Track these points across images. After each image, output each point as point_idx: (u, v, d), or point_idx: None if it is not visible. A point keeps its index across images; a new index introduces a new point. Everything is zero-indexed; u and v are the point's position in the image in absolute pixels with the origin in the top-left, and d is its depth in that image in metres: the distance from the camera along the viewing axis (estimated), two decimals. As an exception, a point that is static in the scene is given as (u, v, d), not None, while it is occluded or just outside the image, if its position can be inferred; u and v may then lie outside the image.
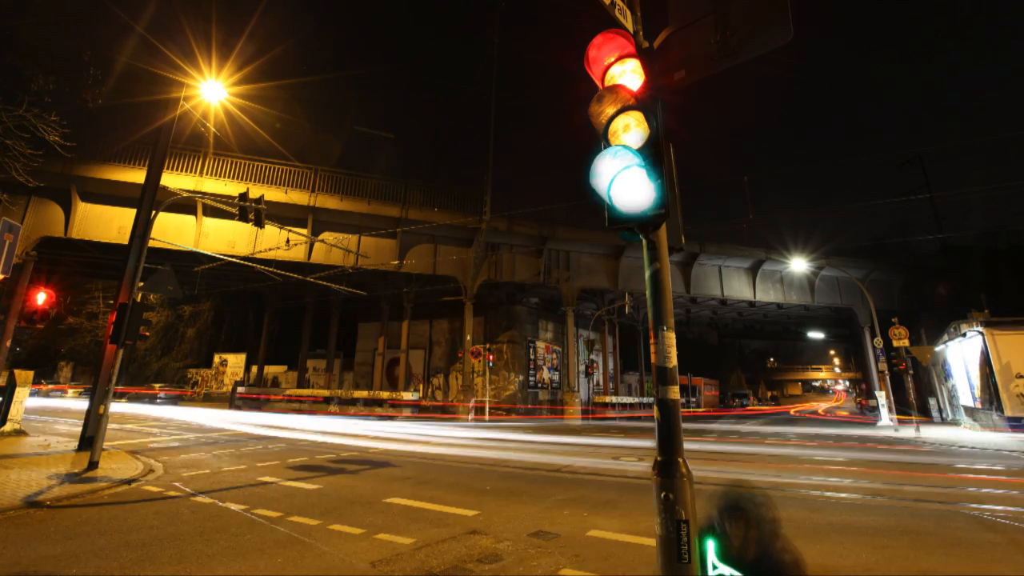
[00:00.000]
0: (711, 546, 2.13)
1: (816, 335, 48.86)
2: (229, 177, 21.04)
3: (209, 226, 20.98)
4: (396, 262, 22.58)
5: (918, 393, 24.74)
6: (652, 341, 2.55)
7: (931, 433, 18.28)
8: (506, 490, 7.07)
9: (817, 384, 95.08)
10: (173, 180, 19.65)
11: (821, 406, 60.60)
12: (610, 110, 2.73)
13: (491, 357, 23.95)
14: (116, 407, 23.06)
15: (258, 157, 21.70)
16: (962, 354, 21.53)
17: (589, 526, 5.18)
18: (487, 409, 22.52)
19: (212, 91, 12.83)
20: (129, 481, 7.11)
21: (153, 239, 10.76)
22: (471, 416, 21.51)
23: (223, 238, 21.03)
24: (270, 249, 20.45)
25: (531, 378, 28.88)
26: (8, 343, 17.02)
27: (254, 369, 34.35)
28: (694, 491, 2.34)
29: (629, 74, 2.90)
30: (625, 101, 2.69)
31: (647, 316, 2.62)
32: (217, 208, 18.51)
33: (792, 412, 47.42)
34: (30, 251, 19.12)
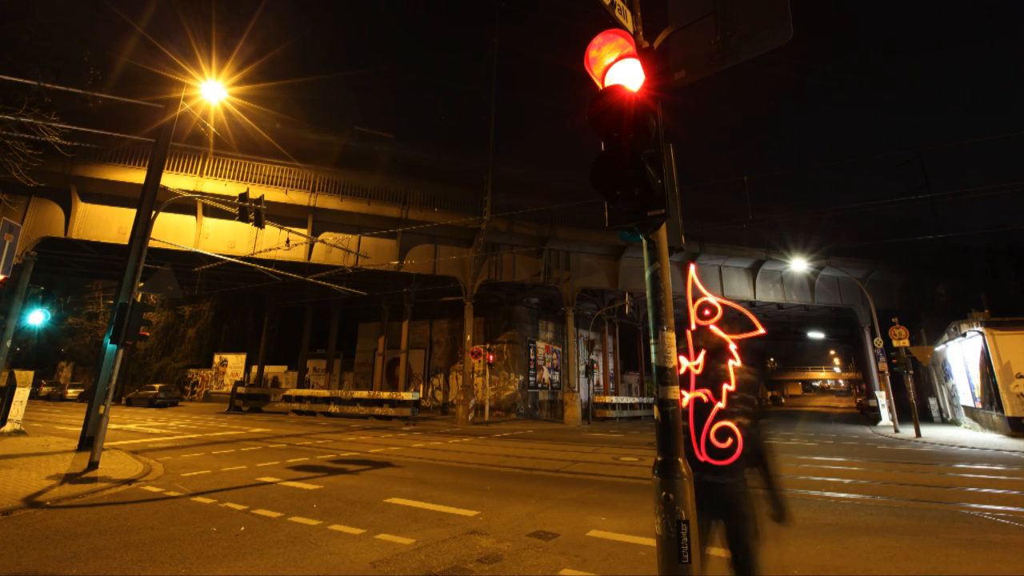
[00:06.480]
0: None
1: (816, 335, 48.78)
2: (229, 177, 21.04)
3: (209, 226, 20.97)
4: (396, 262, 22.58)
5: (918, 393, 24.72)
6: (652, 341, 2.55)
7: (931, 433, 18.28)
8: (506, 490, 7.07)
9: (817, 384, 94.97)
10: (173, 180, 19.64)
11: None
12: (610, 110, 2.73)
13: (491, 357, 23.92)
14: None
15: (258, 157, 21.68)
16: (962, 354, 21.52)
17: (589, 526, 5.18)
18: (487, 409, 22.50)
19: (212, 91, 12.82)
20: (129, 481, 7.12)
21: (153, 239, 10.77)
22: (471, 416, 21.50)
23: (223, 238, 21.02)
24: (270, 249, 20.45)
25: (531, 378, 28.86)
26: (8, 343, 17.01)
27: (254, 369, 34.33)
28: (694, 492, 2.34)
29: (629, 74, 2.90)
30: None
31: (647, 316, 2.63)
32: (217, 208, 18.49)
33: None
34: (30, 251, 19.11)
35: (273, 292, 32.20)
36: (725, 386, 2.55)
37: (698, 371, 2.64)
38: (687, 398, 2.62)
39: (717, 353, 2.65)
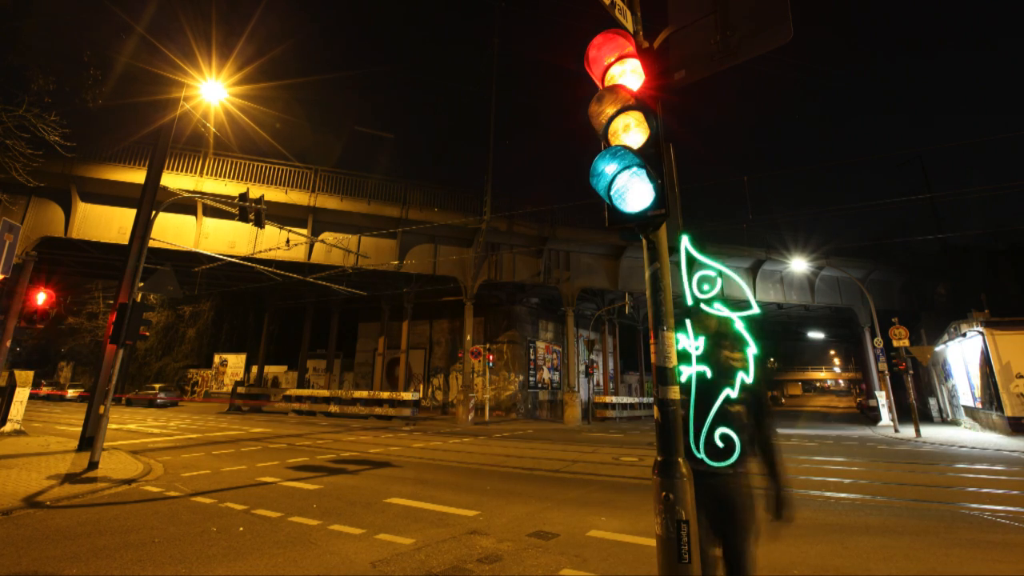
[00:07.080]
0: None
1: (816, 335, 48.74)
2: (229, 177, 21.03)
3: (209, 226, 20.97)
4: (396, 262, 22.58)
5: (918, 393, 24.73)
6: (652, 341, 2.55)
7: (931, 433, 18.27)
8: (506, 490, 7.07)
9: (817, 384, 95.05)
10: (173, 180, 19.64)
11: None
12: (610, 110, 2.73)
13: (491, 357, 23.91)
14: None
15: (258, 157, 21.69)
16: (962, 354, 21.52)
17: (589, 526, 5.18)
18: (487, 409, 22.50)
19: (212, 91, 12.82)
20: (129, 481, 7.11)
21: (153, 239, 10.76)
22: (471, 416, 21.50)
23: (223, 238, 21.02)
24: (270, 249, 20.44)
25: (531, 378, 28.86)
26: (8, 343, 17.00)
27: (254, 369, 34.32)
28: (694, 492, 2.34)
29: (629, 74, 2.90)
30: (625, 101, 2.69)
31: (647, 316, 2.62)
32: (217, 208, 18.49)
33: None
34: (30, 251, 19.09)
35: (273, 292, 32.19)
36: (740, 375, 2.44)
37: (698, 353, 2.55)
38: (686, 374, 2.55)
39: (719, 337, 2.56)
